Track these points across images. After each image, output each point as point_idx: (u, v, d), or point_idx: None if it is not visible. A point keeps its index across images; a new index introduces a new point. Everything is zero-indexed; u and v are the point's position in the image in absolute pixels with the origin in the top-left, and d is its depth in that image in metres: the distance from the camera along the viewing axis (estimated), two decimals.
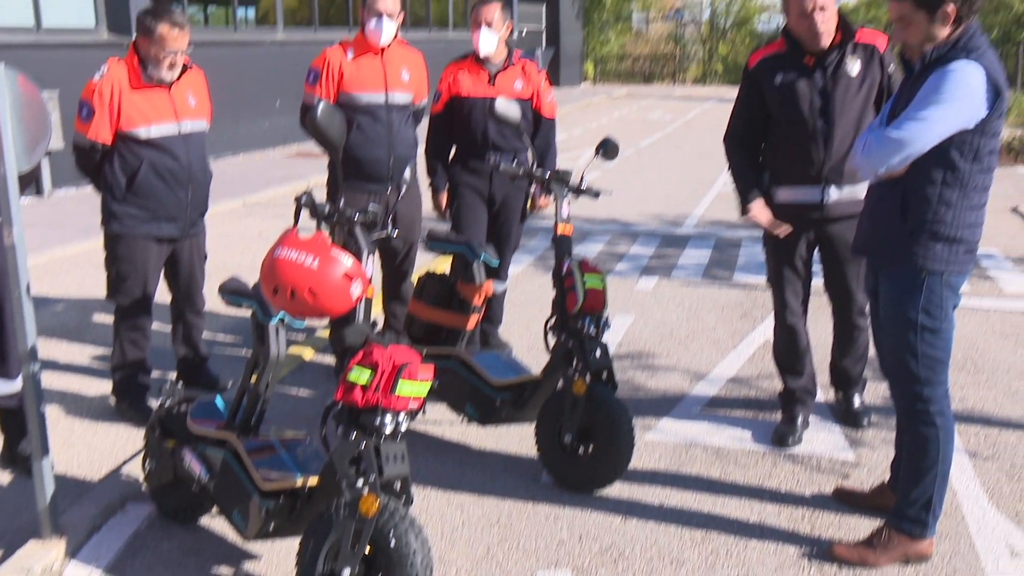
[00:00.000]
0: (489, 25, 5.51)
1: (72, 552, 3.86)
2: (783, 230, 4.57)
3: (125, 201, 4.90)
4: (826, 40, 4.39)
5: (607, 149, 4.78)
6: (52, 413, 5.12)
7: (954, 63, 3.34)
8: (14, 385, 4.30)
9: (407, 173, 4.12)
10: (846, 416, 5.07)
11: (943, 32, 3.41)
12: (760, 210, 4.58)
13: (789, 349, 4.87)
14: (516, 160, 5.50)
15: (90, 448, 4.83)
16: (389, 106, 5.40)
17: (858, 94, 4.46)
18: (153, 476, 4.04)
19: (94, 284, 7.56)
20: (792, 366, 4.89)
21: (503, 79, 5.64)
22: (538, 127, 5.80)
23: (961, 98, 3.32)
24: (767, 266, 4.87)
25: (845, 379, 5.06)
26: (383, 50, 5.39)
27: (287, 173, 13.80)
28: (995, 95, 3.35)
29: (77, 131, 4.84)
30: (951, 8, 3.36)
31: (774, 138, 4.63)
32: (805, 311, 4.85)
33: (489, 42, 5.54)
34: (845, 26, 4.44)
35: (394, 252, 5.59)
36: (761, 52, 4.64)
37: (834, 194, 4.52)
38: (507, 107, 4.67)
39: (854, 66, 4.46)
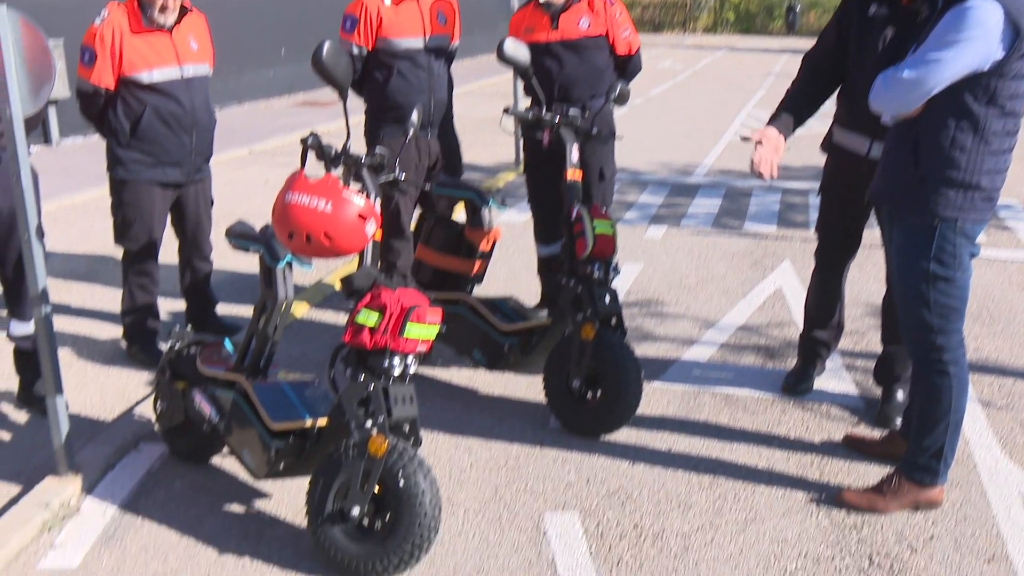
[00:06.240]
0: None
1: (88, 488, 3.91)
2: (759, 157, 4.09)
3: (129, 147, 4.89)
4: None
5: (619, 95, 4.70)
6: (65, 356, 5.15)
7: (971, 0, 3.22)
8: (28, 327, 4.36)
9: (414, 116, 4.01)
10: (883, 412, 4.55)
11: None
12: (763, 134, 4.15)
13: (821, 300, 4.71)
14: (586, 109, 4.96)
15: (103, 390, 4.86)
16: (428, 50, 5.23)
17: None
18: (164, 417, 4.06)
19: (103, 231, 7.57)
20: (820, 317, 4.74)
21: (566, 19, 5.20)
22: (618, 67, 5.38)
23: (975, 38, 3.20)
24: (819, 212, 4.62)
25: (897, 371, 4.53)
26: None
27: (292, 122, 13.72)
28: (1014, 35, 3.21)
29: (80, 76, 4.80)
30: None
31: (847, 74, 4.27)
32: (847, 265, 4.64)
33: None
34: None
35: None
36: None
37: (879, 150, 4.04)
38: (516, 49, 4.59)
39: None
